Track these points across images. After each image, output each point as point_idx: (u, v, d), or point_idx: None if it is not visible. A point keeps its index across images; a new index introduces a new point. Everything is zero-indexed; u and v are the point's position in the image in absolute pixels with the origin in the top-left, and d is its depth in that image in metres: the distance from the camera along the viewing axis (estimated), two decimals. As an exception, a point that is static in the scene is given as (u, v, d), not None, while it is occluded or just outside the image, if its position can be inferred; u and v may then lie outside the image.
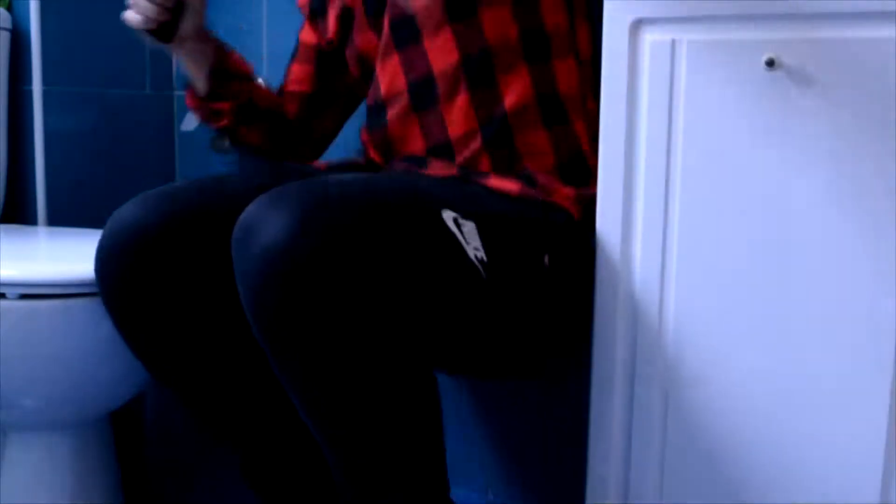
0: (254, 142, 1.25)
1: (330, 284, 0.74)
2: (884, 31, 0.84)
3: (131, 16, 1.11)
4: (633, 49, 0.94)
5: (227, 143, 1.61)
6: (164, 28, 1.12)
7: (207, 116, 1.24)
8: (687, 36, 0.92)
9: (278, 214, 0.75)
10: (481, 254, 0.89)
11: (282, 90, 1.31)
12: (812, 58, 0.87)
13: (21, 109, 1.53)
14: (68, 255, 1.25)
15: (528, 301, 0.97)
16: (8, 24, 1.50)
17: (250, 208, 0.78)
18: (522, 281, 0.95)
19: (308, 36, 1.29)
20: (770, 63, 0.87)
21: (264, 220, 0.75)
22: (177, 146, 1.75)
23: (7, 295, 1.04)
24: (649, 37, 0.94)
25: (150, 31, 1.12)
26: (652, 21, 0.93)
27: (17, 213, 1.56)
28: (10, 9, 1.52)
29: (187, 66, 1.21)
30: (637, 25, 0.94)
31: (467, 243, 0.88)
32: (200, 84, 1.21)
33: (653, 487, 0.99)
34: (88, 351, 1.10)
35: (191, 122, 1.57)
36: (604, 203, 0.98)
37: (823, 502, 0.91)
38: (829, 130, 0.87)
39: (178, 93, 1.73)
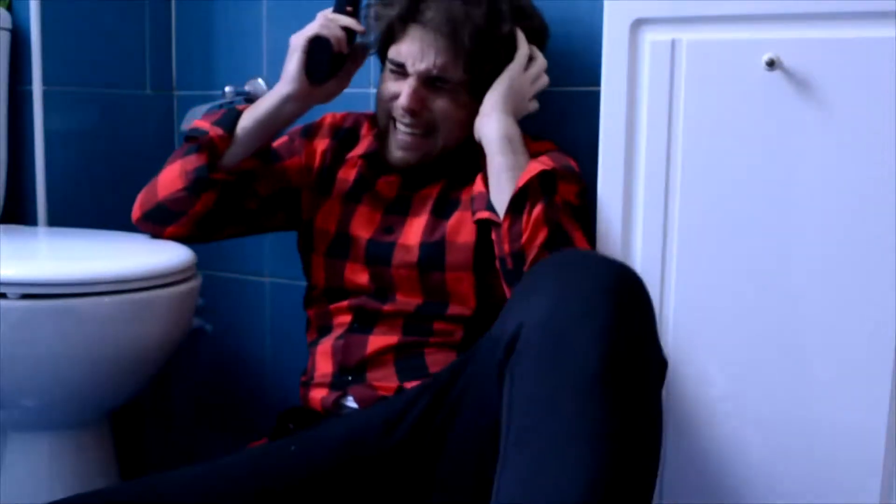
0: (199, 209, 1.20)
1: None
2: (884, 31, 0.84)
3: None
4: (633, 49, 0.94)
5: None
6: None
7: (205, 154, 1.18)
8: (687, 36, 0.92)
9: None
10: None
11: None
12: (812, 58, 0.87)
13: (21, 109, 1.53)
14: (68, 255, 1.25)
15: None
16: (8, 24, 1.49)
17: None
18: None
19: (292, 162, 1.26)
20: (770, 63, 0.87)
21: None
22: (177, 146, 1.74)
23: (8, 295, 1.04)
24: (649, 37, 0.94)
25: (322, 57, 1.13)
26: (652, 21, 0.94)
27: (17, 213, 1.55)
28: (10, 9, 1.52)
29: (268, 120, 1.17)
30: (637, 25, 0.94)
31: None
32: (243, 145, 1.18)
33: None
34: (88, 351, 1.10)
35: (191, 121, 1.57)
36: (604, 203, 0.98)
37: (823, 502, 0.91)
38: (828, 129, 0.88)
39: (178, 93, 1.73)
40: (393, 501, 0.94)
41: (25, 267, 1.09)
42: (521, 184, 1.00)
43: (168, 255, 1.17)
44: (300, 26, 1.57)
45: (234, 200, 1.22)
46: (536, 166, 1.02)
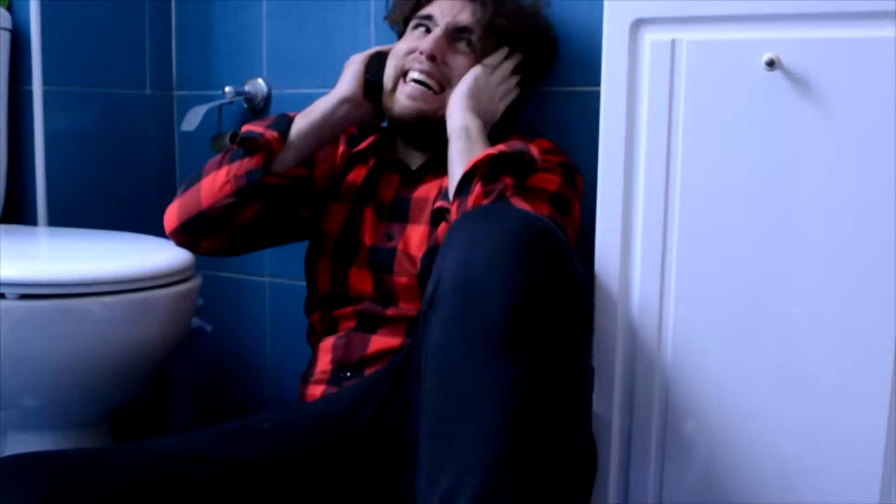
0: (245, 218, 1.17)
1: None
2: (884, 31, 0.84)
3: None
4: (633, 49, 0.94)
5: (227, 141, 1.61)
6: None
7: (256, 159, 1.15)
8: (687, 36, 0.92)
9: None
10: None
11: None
12: (812, 58, 0.87)
13: (21, 109, 1.53)
14: (68, 255, 1.25)
15: None
16: (8, 24, 1.50)
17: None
18: None
19: (320, 169, 1.25)
20: (770, 63, 0.87)
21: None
22: (177, 146, 1.75)
23: (7, 295, 1.04)
24: (649, 37, 0.94)
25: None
26: (652, 21, 0.93)
27: (17, 213, 1.56)
28: (10, 9, 1.52)
29: (320, 131, 1.18)
30: (637, 25, 0.94)
31: None
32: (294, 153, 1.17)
33: (653, 488, 0.99)
34: (88, 351, 1.10)
35: (191, 122, 1.57)
36: (604, 203, 0.98)
37: (823, 502, 0.91)
38: (828, 129, 0.87)
39: (178, 93, 1.73)
40: (361, 480, 0.94)
41: (25, 267, 1.09)
42: (468, 168, 1.00)
43: (168, 255, 1.17)
44: (300, 26, 1.57)
45: (279, 210, 1.20)
46: (488, 150, 1.02)
